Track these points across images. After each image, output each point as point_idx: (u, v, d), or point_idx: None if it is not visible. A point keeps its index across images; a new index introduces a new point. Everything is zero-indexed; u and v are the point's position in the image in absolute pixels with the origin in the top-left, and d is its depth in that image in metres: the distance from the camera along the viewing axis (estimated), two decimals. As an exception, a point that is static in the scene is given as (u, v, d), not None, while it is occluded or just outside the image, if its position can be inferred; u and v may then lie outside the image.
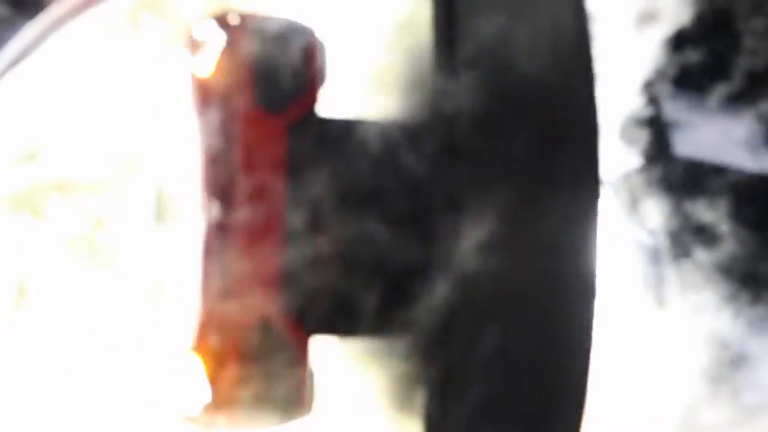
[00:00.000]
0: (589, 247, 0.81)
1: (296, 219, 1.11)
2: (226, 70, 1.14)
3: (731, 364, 1.12)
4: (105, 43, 1.53)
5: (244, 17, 1.19)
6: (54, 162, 1.43)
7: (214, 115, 1.11)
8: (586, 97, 0.83)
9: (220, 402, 1.04)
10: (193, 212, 1.12)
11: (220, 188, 1.10)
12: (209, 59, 1.14)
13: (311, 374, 1.10)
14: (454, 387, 0.84)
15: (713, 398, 1.11)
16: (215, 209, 1.09)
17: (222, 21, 1.20)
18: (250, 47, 1.15)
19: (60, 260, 1.49)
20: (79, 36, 1.41)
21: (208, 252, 1.06)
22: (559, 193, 0.83)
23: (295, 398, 1.10)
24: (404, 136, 1.07)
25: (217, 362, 1.06)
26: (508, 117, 0.87)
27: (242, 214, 1.09)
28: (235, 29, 1.17)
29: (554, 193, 0.84)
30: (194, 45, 1.21)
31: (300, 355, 1.10)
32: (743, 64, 1.09)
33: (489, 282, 0.87)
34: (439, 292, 0.89)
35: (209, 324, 1.05)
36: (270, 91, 1.15)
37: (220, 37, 1.15)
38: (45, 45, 1.37)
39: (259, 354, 1.08)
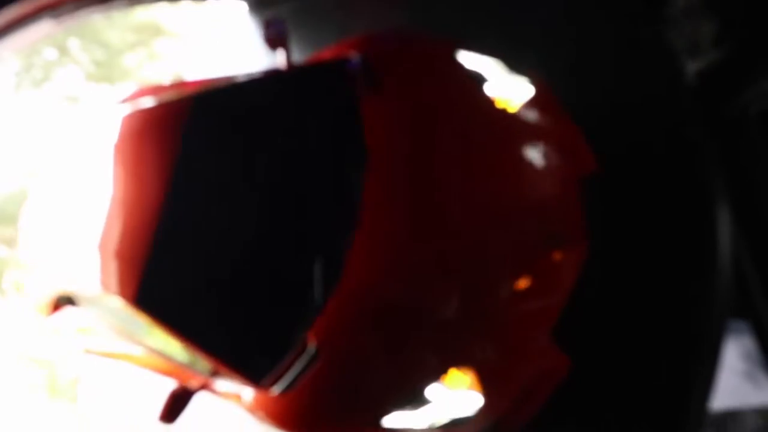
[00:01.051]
0: None
1: (588, 267, 1.21)
2: (550, 121, 1.19)
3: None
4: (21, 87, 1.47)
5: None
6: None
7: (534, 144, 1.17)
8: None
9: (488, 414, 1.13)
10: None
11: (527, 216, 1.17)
12: (517, 99, 1.20)
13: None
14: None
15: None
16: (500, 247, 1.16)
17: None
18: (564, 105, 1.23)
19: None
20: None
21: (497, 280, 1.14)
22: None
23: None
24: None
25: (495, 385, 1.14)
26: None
27: (533, 249, 1.17)
28: (539, 84, 1.25)
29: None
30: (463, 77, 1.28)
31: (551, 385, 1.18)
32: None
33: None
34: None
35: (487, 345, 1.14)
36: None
37: (527, 88, 1.22)
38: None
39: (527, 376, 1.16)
